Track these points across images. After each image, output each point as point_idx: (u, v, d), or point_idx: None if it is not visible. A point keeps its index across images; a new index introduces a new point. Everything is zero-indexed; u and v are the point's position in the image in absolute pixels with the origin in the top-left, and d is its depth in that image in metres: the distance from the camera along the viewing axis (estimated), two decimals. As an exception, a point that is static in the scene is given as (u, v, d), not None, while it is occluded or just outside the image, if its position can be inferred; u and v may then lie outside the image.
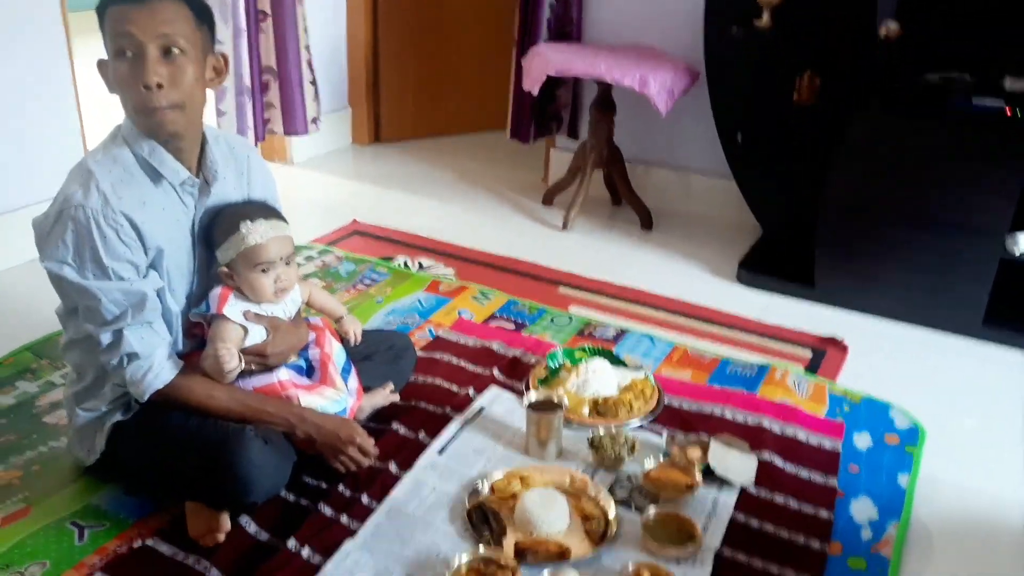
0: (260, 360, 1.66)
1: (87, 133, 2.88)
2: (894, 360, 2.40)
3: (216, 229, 1.63)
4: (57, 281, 1.51)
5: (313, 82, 3.50)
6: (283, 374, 1.69)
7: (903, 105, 2.53)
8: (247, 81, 3.29)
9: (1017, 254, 2.42)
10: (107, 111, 1.78)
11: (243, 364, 1.62)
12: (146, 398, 1.56)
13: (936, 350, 2.46)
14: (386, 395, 1.90)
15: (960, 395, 2.23)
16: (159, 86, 1.43)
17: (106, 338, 1.51)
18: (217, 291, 1.64)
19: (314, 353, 1.76)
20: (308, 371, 1.75)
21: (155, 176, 1.54)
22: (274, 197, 1.78)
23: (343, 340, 1.84)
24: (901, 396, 2.14)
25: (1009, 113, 2.37)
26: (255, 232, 1.61)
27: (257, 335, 1.65)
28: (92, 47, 1.69)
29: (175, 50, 1.44)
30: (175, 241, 1.58)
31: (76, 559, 1.55)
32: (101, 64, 1.49)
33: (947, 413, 2.11)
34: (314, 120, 3.56)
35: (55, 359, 2.17)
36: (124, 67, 1.44)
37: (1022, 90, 2.42)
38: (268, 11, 3.31)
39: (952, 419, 2.09)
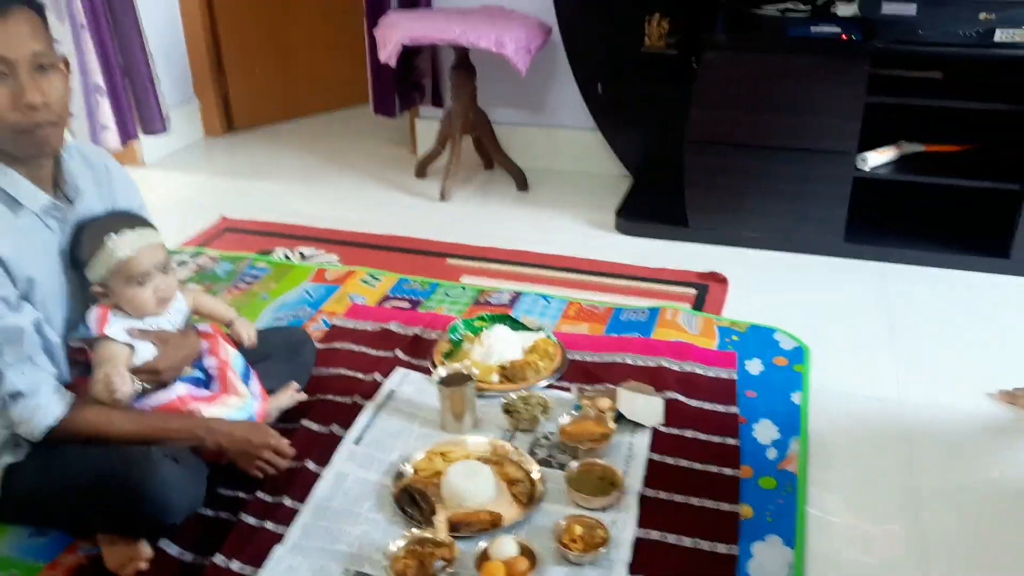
0: (154, 378, 1.58)
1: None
2: (771, 286, 2.54)
3: (82, 246, 1.53)
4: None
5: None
6: (181, 389, 1.62)
7: (747, 39, 2.64)
8: (97, 79, 3.08)
9: (867, 170, 2.60)
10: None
11: (136, 385, 1.54)
12: (38, 437, 1.46)
13: (807, 271, 2.62)
14: (291, 395, 1.84)
15: (834, 310, 2.38)
16: (44, 104, 1.36)
17: (-17, 380, 1.40)
18: (96, 311, 1.55)
19: (210, 362, 1.69)
20: (207, 382, 1.68)
21: (12, 204, 1.43)
22: (139, 203, 1.69)
23: (238, 344, 1.78)
24: (782, 319, 2.27)
25: (844, 37, 2.51)
26: (123, 244, 1.52)
27: (146, 352, 1.57)
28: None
29: (45, 64, 1.37)
30: (45, 268, 1.47)
31: (-15, 617, 1.45)
32: None
33: (825, 329, 2.25)
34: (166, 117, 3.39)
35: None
36: None
37: (852, 15, 2.57)
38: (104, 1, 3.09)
39: (830, 334, 2.23)
